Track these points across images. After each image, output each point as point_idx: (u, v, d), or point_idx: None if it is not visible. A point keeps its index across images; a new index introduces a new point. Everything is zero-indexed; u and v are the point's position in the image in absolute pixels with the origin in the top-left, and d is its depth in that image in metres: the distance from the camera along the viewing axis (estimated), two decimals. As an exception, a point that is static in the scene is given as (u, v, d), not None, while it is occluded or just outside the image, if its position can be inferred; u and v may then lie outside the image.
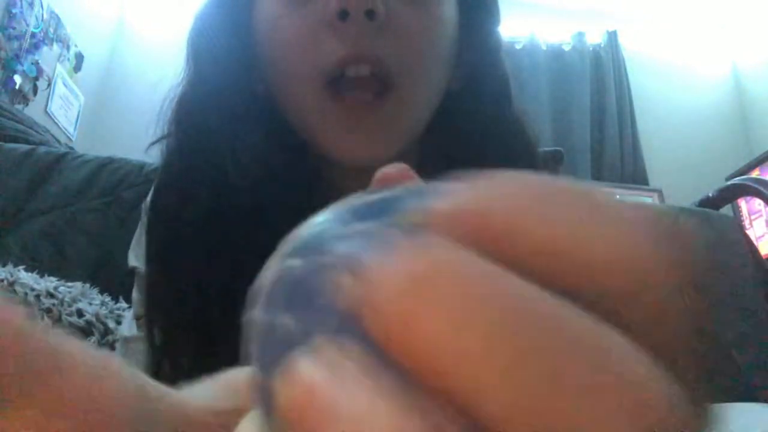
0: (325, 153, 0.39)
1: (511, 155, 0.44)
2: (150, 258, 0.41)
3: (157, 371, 0.38)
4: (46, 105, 2.35)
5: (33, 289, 0.43)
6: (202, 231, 0.39)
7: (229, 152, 0.39)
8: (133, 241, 0.46)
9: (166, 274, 0.40)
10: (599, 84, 3.17)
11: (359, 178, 0.40)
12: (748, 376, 1.18)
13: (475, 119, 0.43)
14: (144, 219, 0.46)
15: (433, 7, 0.39)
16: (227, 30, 0.42)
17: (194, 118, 0.41)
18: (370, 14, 0.35)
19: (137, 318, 0.43)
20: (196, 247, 0.39)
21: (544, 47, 3.21)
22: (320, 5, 0.37)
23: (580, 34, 3.26)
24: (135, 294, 0.43)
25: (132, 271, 0.45)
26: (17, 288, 0.42)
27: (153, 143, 0.44)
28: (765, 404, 0.92)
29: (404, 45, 0.37)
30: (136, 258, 0.44)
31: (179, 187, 0.41)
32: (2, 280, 0.43)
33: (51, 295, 0.44)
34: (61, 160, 1.26)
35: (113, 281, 0.51)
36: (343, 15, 0.35)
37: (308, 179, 0.41)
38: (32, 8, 2.22)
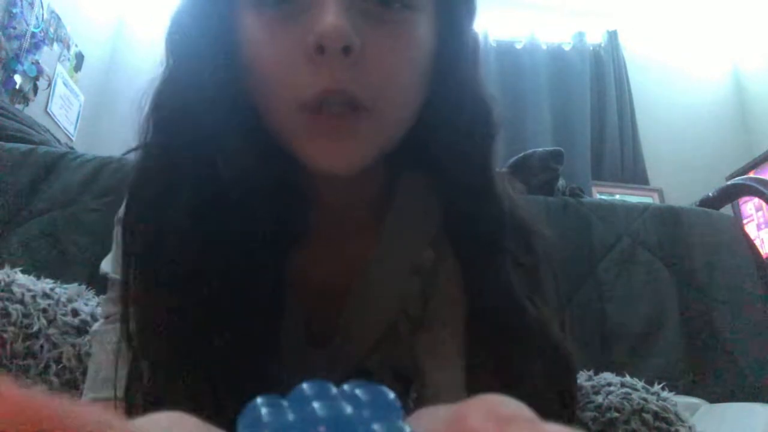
0: (301, 161, 0.40)
1: (474, 163, 0.44)
2: (127, 256, 0.41)
3: (136, 372, 0.39)
4: (46, 105, 2.35)
5: (29, 290, 0.43)
6: (185, 229, 0.39)
7: (214, 147, 0.39)
8: (110, 254, 0.47)
9: (142, 277, 0.39)
10: (599, 84, 3.16)
11: (333, 184, 0.41)
12: (748, 376, 1.18)
13: (446, 130, 0.43)
14: (117, 229, 0.46)
15: (406, 33, 0.40)
16: (208, 30, 0.41)
17: (175, 115, 0.41)
18: (346, 50, 0.36)
19: (106, 317, 0.43)
20: (177, 246, 0.39)
21: (544, 47, 3.21)
22: (300, 34, 0.37)
23: (580, 34, 3.26)
24: (108, 295, 0.44)
25: (105, 277, 0.45)
26: (14, 289, 0.42)
27: (132, 150, 0.44)
28: (765, 404, 0.92)
29: (379, 76, 0.39)
30: (109, 265, 0.45)
31: (160, 182, 0.40)
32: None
33: (47, 296, 0.44)
34: (61, 160, 1.26)
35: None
36: (320, 50, 0.36)
37: (289, 183, 0.42)
38: (32, 8, 2.21)
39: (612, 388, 0.46)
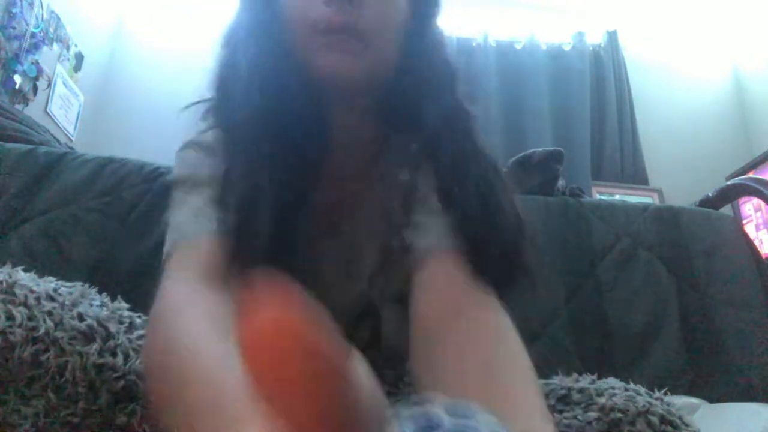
0: (316, 74, 0.57)
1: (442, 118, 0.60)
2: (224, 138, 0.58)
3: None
4: (46, 105, 2.35)
5: (33, 291, 0.42)
6: (254, 118, 0.56)
7: (266, 69, 0.57)
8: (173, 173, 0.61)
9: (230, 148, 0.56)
10: (599, 84, 3.16)
11: (339, 102, 0.59)
12: (748, 376, 1.18)
13: (415, 93, 0.60)
14: (181, 154, 0.61)
15: None
16: None
17: (238, 48, 0.60)
18: None
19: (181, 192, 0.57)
20: (251, 128, 0.56)
21: (544, 47, 3.21)
22: None
23: (580, 34, 3.26)
24: (179, 189, 0.58)
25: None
26: (17, 290, 0.41)
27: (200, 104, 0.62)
28: (765, 404, 0.92)
29: (371, 17, 0.57)
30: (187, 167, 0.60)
31: (236, 89, 0.58)
32: (1, 282, 0.42)
33: (51, 298, 0.43)
34: (61, 160, 1.26)
35: (112, 281, 0.51)
36: None
37: (312, 106, 0.58)
38: (32, 8, 2.21)
39: (616, 391, 0.46)
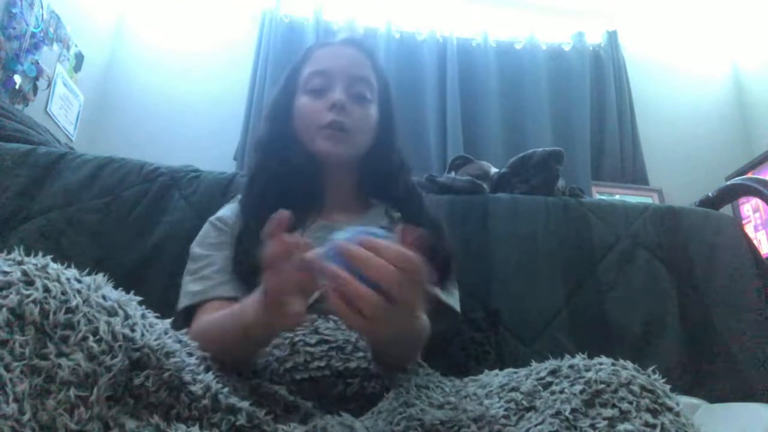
0: (316, 155, 0.93)
1: (398, 182, 0.98)
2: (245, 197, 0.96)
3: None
4: (46, 105, 2.35)
5: (63, 272, 0.47)
6: (267, 188, 0.91)
7: (284, 152, 0.94)
8: (198, 238, 0.94)
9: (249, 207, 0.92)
10: (599, 84, 3.16)
11: (332, 172, 0.97)
12: (748, 376, 1.18)
13: (381, 163, 0.98)
14: (208, 223, 0.95)
15: (367, 108, 0.95)
16: (284, 100, 0.98)
17: (268, 137, 0.98)
18: (342, 108, 0.91)
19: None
20: (264, 192, 0.91)
21: (544, 47, 3.21)
22: (324, 100, 0.92)
23: (580, 34, 3.26)
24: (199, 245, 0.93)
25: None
26: (50, 270, 0.46)
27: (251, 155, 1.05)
28: (765, 404, 0.92)
29: (354, 120, 0.93)
30: (197, 244, 0.93)
31: (261, 167, 0.96)
32: (36, 264, 0.47)
33: (78, 280, 0.48)
34: (61, 160, 1.26)
35: (113, 281, 0.53)
36: (333, 106, 0.91)
37: (315, 173, 0.93)
38: (32, 8, 2.21)
39: (603, 366, 0.49)
